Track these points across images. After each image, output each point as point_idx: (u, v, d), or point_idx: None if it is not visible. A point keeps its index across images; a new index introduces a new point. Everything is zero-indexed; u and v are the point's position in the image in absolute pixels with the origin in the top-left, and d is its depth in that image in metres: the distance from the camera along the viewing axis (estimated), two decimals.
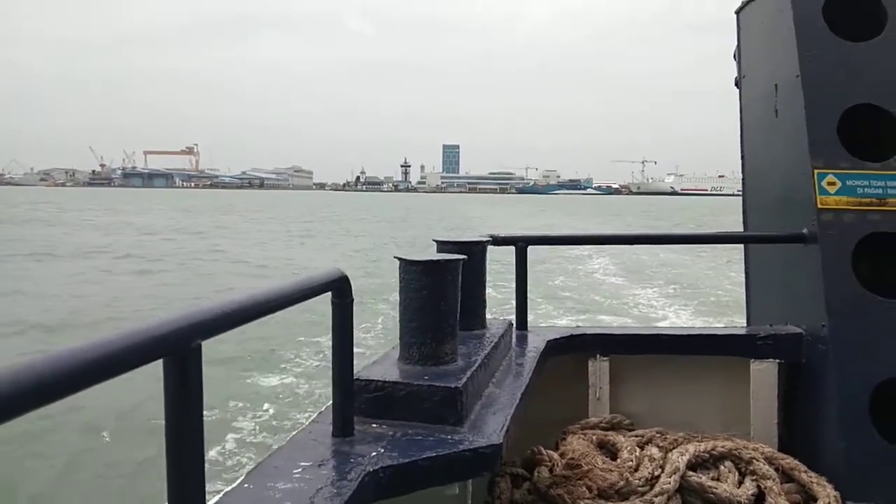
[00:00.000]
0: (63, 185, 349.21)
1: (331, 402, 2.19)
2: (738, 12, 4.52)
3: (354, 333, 2.17)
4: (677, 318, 17.56)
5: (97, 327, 15.09)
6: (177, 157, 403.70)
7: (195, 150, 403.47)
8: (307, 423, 2.30)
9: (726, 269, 24.11)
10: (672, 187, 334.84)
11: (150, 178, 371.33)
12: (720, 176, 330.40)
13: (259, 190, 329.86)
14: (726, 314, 16.60)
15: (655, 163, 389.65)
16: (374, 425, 2.28)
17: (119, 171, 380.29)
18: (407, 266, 2.55)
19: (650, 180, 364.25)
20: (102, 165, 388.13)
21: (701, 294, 21.59)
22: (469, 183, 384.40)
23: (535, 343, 3.56)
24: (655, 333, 3.97)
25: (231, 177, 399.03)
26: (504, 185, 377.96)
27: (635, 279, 25.08)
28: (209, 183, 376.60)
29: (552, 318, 16.62)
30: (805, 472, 2.89)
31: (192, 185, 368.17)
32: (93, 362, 1.07)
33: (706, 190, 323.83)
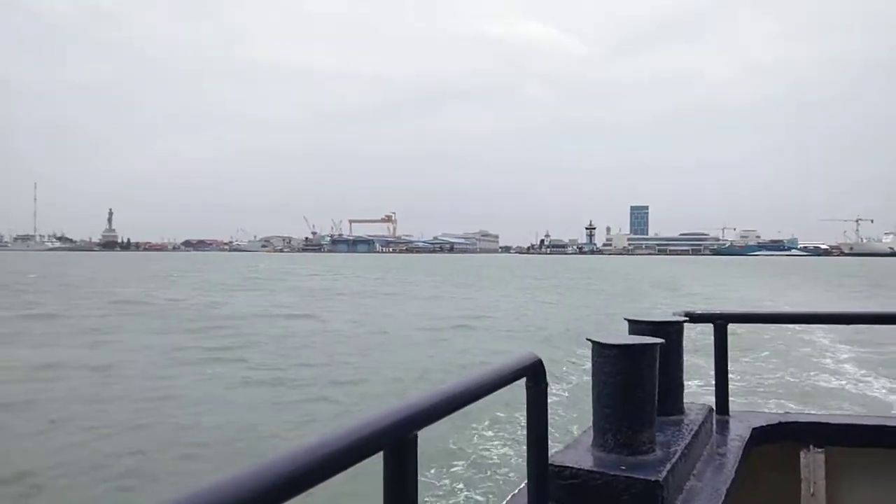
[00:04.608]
0: (281, 250, 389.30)
1: (523, 484, 2.23)
2: None
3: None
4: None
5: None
6: (377, 224, 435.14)
7: (393, 218, 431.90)
8: None
9: None
10: (891, 247, 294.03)
11: (353, 244, 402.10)
12: None
13: (449, 254, 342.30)
14: None
15: (872, 221, 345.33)
16: None
17: (328, 238, 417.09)
18: (601, 349, 2.51)
19: (865, 240, 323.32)
20: (314, 233, 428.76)
21: None
22: (658, 244, 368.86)
23: (739, 430, 3.33)
24: (882, 424, 3.51)
25: (424, 242, 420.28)
26: (697, 246, 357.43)
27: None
28: (405, 248, 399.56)
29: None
30: None
31: (391, 249, 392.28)
32: (324, 458, 1.13)
33: None
